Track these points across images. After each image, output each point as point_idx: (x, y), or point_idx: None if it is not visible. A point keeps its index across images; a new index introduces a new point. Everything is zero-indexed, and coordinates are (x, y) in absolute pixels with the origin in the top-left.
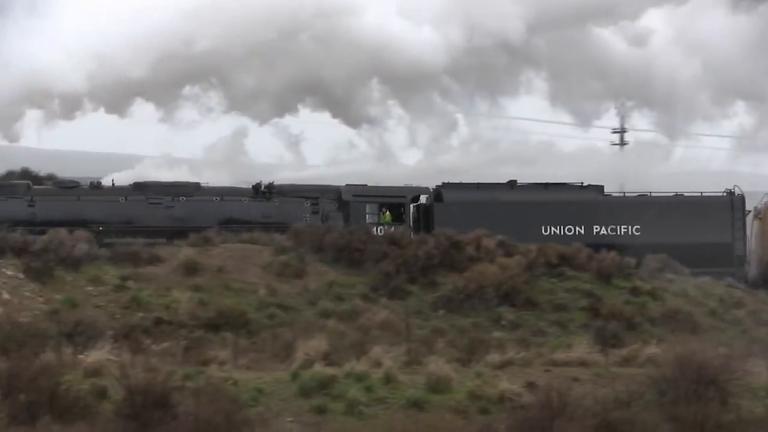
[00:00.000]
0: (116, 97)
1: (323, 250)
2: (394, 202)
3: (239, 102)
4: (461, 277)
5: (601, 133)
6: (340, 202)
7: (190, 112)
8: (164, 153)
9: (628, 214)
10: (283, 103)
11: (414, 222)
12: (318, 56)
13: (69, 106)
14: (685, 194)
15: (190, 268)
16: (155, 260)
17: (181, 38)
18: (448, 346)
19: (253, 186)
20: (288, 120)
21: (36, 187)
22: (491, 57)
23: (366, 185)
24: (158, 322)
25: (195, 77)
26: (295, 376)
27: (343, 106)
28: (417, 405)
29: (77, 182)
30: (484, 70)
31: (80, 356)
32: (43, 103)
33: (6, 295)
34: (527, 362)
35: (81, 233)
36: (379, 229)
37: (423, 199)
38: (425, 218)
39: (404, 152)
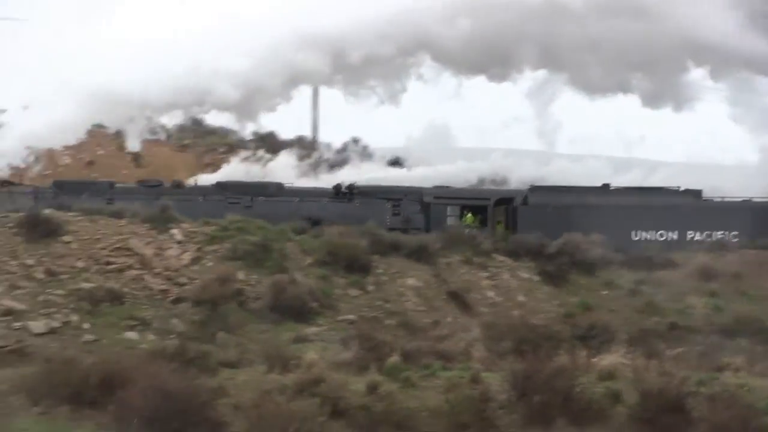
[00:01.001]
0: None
1: None
2: (477, 204)
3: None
4: None
5: None
6: (422, 204)
7: None
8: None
9: (726, 219)
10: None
11: (505, 225)
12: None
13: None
14: None
15: (706, 274)
16: (670, 265)
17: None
18: None
19: (333, 186)
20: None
21: (119, 185)
22: None
23: (451, 187)
24: (672, 327)
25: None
26: None
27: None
28: None
29: (160, 181)
30: None
31: (594, 359)
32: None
33: (521, 297)
34: None
35: (596, 237)
36: None
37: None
38: (513, 221)
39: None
